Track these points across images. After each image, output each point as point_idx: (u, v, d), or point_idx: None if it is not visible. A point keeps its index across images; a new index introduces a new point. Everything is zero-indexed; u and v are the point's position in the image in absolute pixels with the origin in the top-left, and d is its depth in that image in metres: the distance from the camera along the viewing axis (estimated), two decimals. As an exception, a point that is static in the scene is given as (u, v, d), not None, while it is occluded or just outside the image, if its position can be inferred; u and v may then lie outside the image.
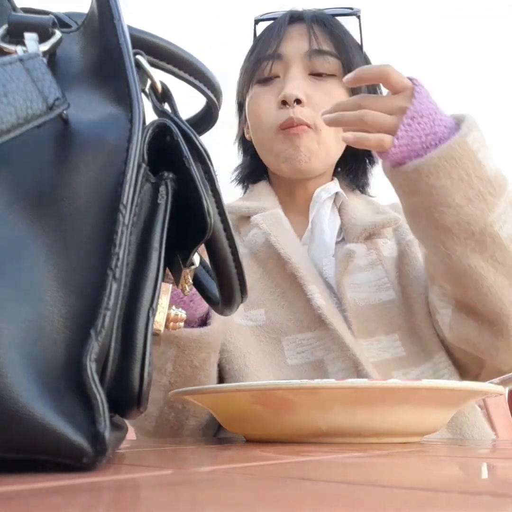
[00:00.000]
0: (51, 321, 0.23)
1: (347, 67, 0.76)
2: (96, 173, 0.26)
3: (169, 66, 0.33)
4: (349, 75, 0.61)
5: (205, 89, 0.35)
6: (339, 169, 0.86)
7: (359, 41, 0.81)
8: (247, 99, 0.81)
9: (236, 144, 0.90)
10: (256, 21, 0.83)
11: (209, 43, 0.83)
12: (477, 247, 0.60)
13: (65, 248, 0.25)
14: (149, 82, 0.33)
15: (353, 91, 0.78)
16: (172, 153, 0.28)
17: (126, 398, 0.25)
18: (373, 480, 0.21)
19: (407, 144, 0.58)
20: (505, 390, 0.47)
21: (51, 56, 0.31)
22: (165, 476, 0.22)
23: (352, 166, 0.87)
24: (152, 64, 0.32)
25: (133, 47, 0.30)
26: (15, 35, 0.30)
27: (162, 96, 0.33)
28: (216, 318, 0.64)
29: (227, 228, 0.31)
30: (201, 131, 0.36)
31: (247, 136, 0.86)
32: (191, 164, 0.28)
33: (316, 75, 0.77)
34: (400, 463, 0.28)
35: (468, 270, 0.61)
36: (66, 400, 0.22)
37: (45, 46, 0.30)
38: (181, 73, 0.34)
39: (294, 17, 0.80)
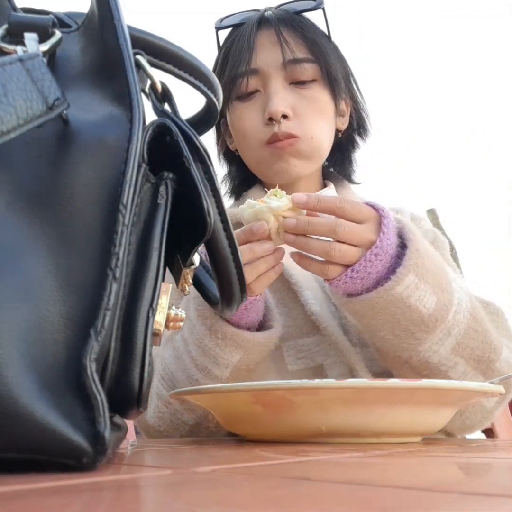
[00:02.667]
0: (51, 321, 0.23)
1: (326, 69, 0.75)
2: (96, 173, 0.26)
3: (169, 66, 0.33)
4: (301, 198, 0.56)
5: (205, 89, 0.35)
6: (326, 162, 0.85)
7: (326, 32, 0.79)
8: (228, 115, 0.80)
9: (221, 157, 0.89)
10: (218, 29, 0.79)
11: (209, 43, 0.82)
12: (406, 364, 0.62)
13: (65, 248, 0.25)
14: (149, 82, 0.33)
15: (336, 93, 0.77)
16: (172, 153, 0.28)
17: (126, 398, 0.25)
18: (373, 480, 0.21)
19: (362, 278, 0.56)
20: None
21: (51, 56, 0.31)
22: (165, 476, 0.22)
23: (338, 157, 0.86)
24: (152, 64, 0.32)
25: (133, 47, 0.30)
26: (15, 35, 0.30)
27: (162, 96, 0.33)
28: (277, 320, 0.65)
29: (227, 228, 0.31)
30: (201, 131, 0.36)
31: (231, 146, 0.85)
32: (191, 164, 0.28)
33: (297, 83, 0.75)
34: (400, 463, 0.28)
35: (396, 374, 0.65)
36: (66, 400, 0.22)
37: (45, 46, 0.30)
38: (181, 73, 0.34)
39: (261, 22, 0.76)
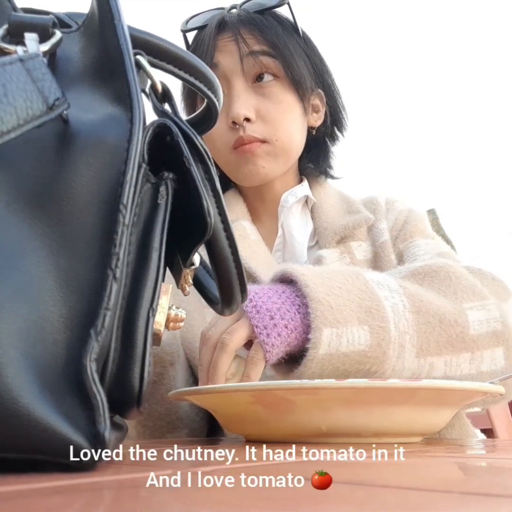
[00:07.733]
0: (51, 321, 0.23)
1: (288, 68, 0.73)
2: (96, 173, 0.26)
3: (169, 66, 0.33)
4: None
5: (205, 89, 0.35)
6: (305, 158, 0.83)
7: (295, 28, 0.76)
8: None
9: None
10: (184, 32, 0.78)
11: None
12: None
13: (65, 248, 0.25)
14: (149, 82, 0.33)
15: (301, 94, 0.75)
16: (172, 153, 0.28)
17: (126, 398, 0.25)
18: (373, 480, 0.21)
19: (282, 349, 0.52)
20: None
21: (51, 56, 0.31)
22: (165, 476, 0.22)
23: (314, 153, 0.84)
24: (152, 64, 0.32)
25: (133, 47, 0.30)
26: (15, 35, 0.30)
27: (162, 96, 0.33)
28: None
29: (227, 228, 0.31)
30: (201, 131, 0.36)
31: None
32: (191, 164, 0.28)
33: (260, 81, 0.73)
34: (400, 463, 0.28)
35: None
36: (66, 400, 0.22)
37: (45, 46, 0.30)
38: (181, 73, 0.34)
39: (221, 25, 0.74)
